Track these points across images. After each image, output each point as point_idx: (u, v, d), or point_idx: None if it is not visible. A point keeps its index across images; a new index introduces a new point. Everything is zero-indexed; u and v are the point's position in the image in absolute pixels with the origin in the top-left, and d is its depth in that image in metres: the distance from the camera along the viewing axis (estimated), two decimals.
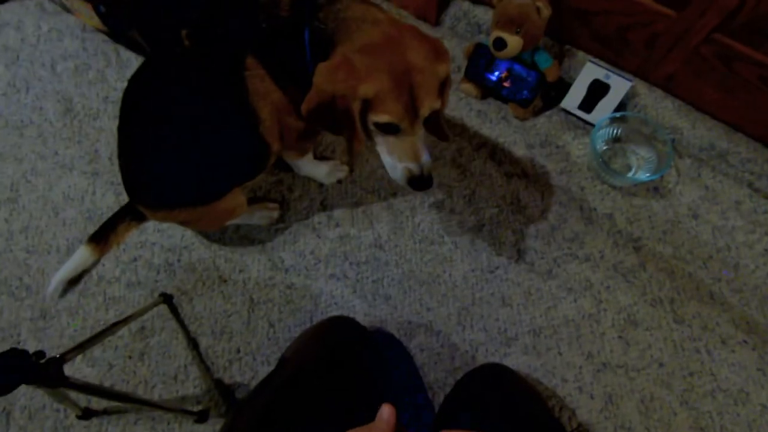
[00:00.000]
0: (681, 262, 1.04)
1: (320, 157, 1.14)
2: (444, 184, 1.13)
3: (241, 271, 1.06)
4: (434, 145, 1.17)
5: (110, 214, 0.95)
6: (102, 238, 0.95)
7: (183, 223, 0.91)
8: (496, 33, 1.05)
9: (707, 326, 0.99)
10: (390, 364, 0.98)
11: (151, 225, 1.09)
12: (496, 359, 0.98)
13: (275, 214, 1.08)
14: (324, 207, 1.12)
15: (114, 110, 1.22)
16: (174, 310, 1.02)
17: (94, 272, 1.06)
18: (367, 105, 0.68)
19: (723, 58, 0.97)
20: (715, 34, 0.94)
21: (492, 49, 1.08)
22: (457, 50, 1.26)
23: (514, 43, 1.04)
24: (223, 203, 0.88)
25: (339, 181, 1.13)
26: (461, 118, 1.20)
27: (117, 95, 1.24)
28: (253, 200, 1.09)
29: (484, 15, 1.22)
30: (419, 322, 1.01)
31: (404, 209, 1.11)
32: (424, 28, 1.30)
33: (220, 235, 1.09)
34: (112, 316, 1.02)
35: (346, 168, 1.13)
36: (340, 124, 0.70)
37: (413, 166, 0.75)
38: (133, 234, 1.06)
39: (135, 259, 1.07)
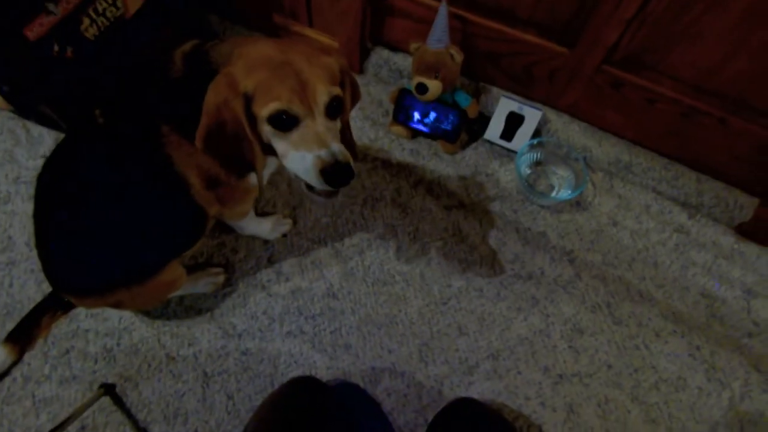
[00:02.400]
0: (610, 268, 1.14)
1: (262, 214, 1.13)
2: (388, 224, 1.16)
3: (189, 344, 1.00)
4: (373, 187, 1.20)
5: (32, 306, 0.87)
6: (22, 335, 0.86)
7: (117, 305, 0.85)
8: (417, 79, 1.12)
9: (641, 323, 1.09)
10: (359, 414, 0.97)
11: (82, 310, 1.01)
12: (461, 390, 1.00)
13: (220, 278, 1.04)
14: (271, 263, 1.10)
15: (27, 191, 1.13)
16: (118, 401, 0.94)
17: (17, 373, 0.95)
18: (253, 107, 0.65)
19: (613, 85, 1.11)
20: (604, 66, 1.08)
21: (415, 94, 1.14)
22: (383, 95, 1.33)
23: (434, 87, 1.11)
24: (161, 278, 0.84)
25: (284, 235, 1.12)
26: (395, 159, 1.25)
27: (30, 175, 1.15)
28: (195, 267, 1.05)
29: (403, 61, 1.30)
30: (382, 366, 1.01)
31: (352, 254, 1.12)
32: None
33: (162, 310, 1.02)
34: (44, 421, 0.91)
35: (289, 221, 1.13)
36: (235, 145, 0.67)
37: (323, 153, 0.66)
38: (61, 324, 0.97)
39: (67, 351, 0.97)
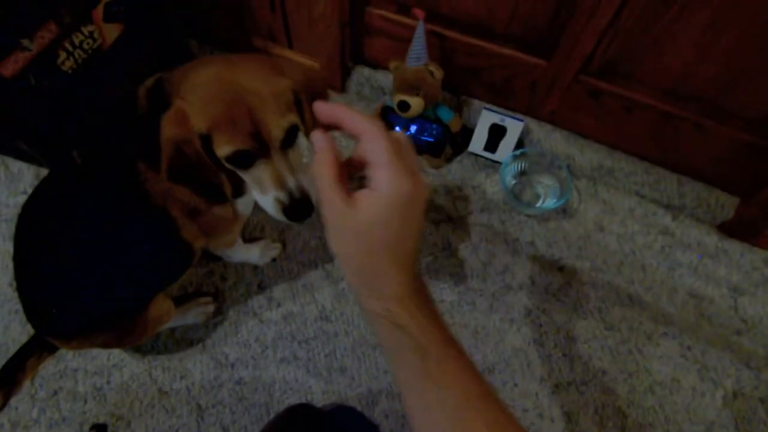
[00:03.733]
0: (599, 273, 1.16)
1: (250, 239, 1.12)
2: None
3: (182, 377, 0.98)
4: None
5: (18, 348, 0.85)
6: (6, 379, 0.84)
7: (105, 345, 0.83)
8: (399, 96, 1.13)
9: (633, 327, 1.10)
10: None
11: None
12: None
13: (210, 308, 1.03)
14: (262, 289, 1.09)
15: (8, 230, 1.11)
16: None
17: (3, 419, 0.93)
18: (210, 142, 0.64)
19: (591, 94, 1.13)
20: (581, 76, 1.10)
21: (397, 111, 1.15)
22: (367, 113, 1.33)
23: (415, 104, 1.12)
24: (148, 314, 0.82)
25: (273, 260, 1.12)
26: None
27: (11, 213, 1.13)
28: (184, 298, 1.03)
29: (384, 79, 1.30)
30: (379, 387, 1.00)
31: (343, 274, 1.11)
32: (332, 95, 1.36)
33: (152, 344, 1.01)
34: None
35: (278, 245, 1.12)
36: (201, 174, 0.66)
37: (281, 195, 0.67)
38: (48, 365, 0.95)
39: (55, 393, 0.95)
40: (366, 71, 1.33)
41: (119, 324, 0.79)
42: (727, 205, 1.18)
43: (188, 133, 0.61)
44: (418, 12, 1.04)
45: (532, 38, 1.08)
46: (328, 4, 1.12)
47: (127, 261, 0.75)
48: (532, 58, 1.11)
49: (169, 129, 0.62)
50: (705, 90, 1.00)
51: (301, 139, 0.71)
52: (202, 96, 0.63)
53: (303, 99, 0.69)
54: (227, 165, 0.66)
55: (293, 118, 0.66)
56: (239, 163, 0.66)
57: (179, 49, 1.42)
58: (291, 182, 0.66)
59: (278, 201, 0.67)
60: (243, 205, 0.86)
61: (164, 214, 0.73)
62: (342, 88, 1.36)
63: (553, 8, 0.99)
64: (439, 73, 1.10)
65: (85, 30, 1.12)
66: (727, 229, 1.19)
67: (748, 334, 1.10)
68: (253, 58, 0.68)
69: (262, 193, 0.68)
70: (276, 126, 0.64)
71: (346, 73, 1.34)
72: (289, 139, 0.67)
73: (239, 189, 0.77)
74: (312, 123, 0.73)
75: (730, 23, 0.86)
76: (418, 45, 1.06)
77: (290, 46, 1.33)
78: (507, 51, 1.12)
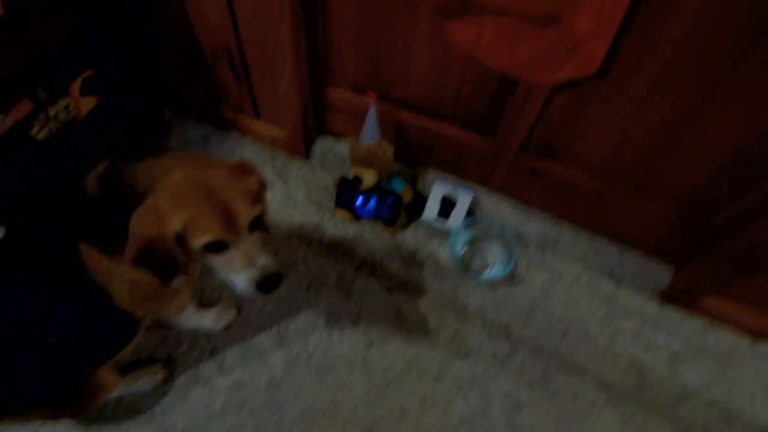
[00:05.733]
0: (545, 340, 1.20)
1: (205, 304, 1.15)
2: (332, 308, 1.20)
3: None
4: (318, 270, 1.25)
5: None
6: None
7: (44, 419, 0.84)
8: (354, 170, 1.21)
9: (577, 394, 1.13)
10: None
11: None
12: None
13: (159, 376, 1.05)
14: (214, 355, 1.11)
15: None
16: None
17: None
18: (185, 237, 0.70)
19: (532, 171, 1.21)
20: (522, 155, 1.19)
21: (352, 184, 1.22)
22: (328, 180, 1.41)
23: (369, 177, 1.20)
24: (89, 387, 0.84)
25: (228, 326, 1.14)
26: (340, 241, 1.31)
27: None
28: (135, 364, 1.05)
29: (345, 149, 1.39)
30: None
31: (296, 340, 1.14)
32: (298, 162, 1.44)
33: (99, 413, 1.01)
34: None
35: (234, 310, 1.15)
36: (167, 262, 0.72)
37: (254, 272, 0.77)
38: None
39: None
40: (329, 141, 1.42)
41: (60, 400, 0.80)
42: (664, 273, 1.25)
43: (164, 232, 0.69)
44: (371, 96, 1.13)
45: (475, 121, 1.17)
46: (291, 82, 1.21)
47: (64, 338, 0.78)
48: (476, 137, 1.21)
49: (143, 227, 0.69)
50: (631, 171, 1.09)
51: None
52: (177, 196, 0.70)
53: (262, 192, 0.82)
54: (200, 251, 0.74)
55: (259, 208, 0.78)
56: (213, 250, 0.74)
57: (154, 119, 1.50)
58: (262, 259, 0.77)
59: (252, 278, 0.77)
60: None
61: (103, 291, 0.77)
62: (307, 155, 1.44)
63: (491, 95, 1.09)
64: (390, 151, 1.18)
65: (62, 103, 1.19)
66: (666, 297, 1.26)
67: (687, 402, 1.13)
68: (219, 162, 0.78)
69: (235, 273, 0.77)
70: (247, 215, 0.75)
71: (310, 142, 1.43)
72: (255, 224, 0.79)
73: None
74: (267, 208, 0.87)
75: (646, 114, 0.96)
76: (371, 125, 1.15)
77: (258, 116, 1.42)
78: (454, 130, 1.22)
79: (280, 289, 1.18)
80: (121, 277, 0.78)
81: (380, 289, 1.23)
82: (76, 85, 1.21)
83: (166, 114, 1.50)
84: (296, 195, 1.38)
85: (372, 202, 1.26)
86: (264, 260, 0.78)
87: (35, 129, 1.16)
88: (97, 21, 1.17)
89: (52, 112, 1.18)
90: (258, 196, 0.79)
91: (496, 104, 1.10)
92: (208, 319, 1.11)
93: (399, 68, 1.13)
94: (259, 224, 0.80)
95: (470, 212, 1.32)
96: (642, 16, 0.81)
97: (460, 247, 1.30)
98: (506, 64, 0.97)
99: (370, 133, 1.16)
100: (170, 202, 0.69)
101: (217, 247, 0.74)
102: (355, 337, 1.16)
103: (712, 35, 0.79)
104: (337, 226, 1.34)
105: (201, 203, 0.70)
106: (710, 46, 0.80)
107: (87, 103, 1.26)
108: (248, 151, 1.47)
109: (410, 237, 1.33)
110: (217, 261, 0.77)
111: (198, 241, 0.71)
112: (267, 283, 0.78)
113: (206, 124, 1.49)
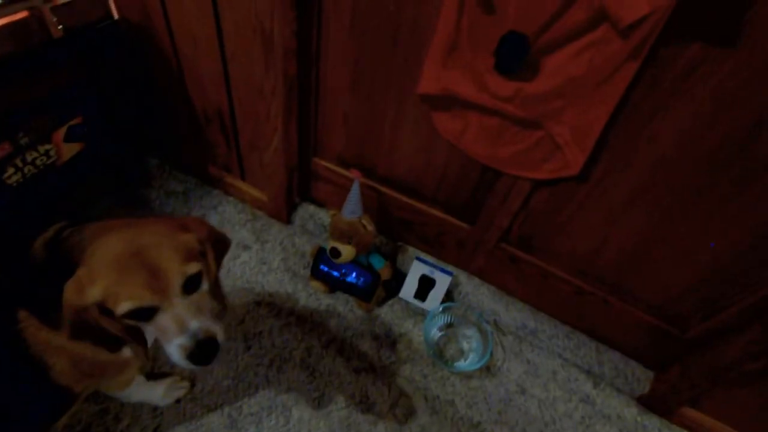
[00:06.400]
0: None
1: (156, 375, 1.06)
2: (293, 388, 1.11)
3: None
4: (284, 345, 1.18)
5: None
6: None
7: None
8: (332, 243, 1.18)
9: None
10: None
11: None
12: None
13: None
14: None
15: None
16: None
17: None
18: (107, 305, 0.65)
19: (511, 260, 1.20)
20: (501, 243, 1.18)
21: (330, 256, 1.19)
22: (307, 247, 1.38)
23: (347, 252, 1.17)
24: None
25: (177, 401, 1.05)
26: (311, 314, 1.25)
27: None
28: None
29: (327, 217, 1.38)
30: None
31: (249, 424, 1.05)
32: (278, 226, 1.42)
33: None
34: None
35: (186, 383, 1.07)
36: (102, 333, 0.66)
37: (183, 340, 0.68)
38: None
39: None
40: (311, 208, 1.40)
41: None
42: (643, 378, 1.21)
43: (85, 302, 0.63)
44: (355, 172, 1.14)
45: (456, 205, 1.18)
46: (277, 152, 1.22)
47: None
48: (457, 221, 1.20)
49: (70, 297, 0.64)
50: (609, 273, 1.08)
51: (205, 285, 0.74)
52: (101, 263, 0.65)
53: (207, 249, 0.74)
54: (129, 322, 0.67)
55: (195, 266, 0.70)
56: (139, 318, 0.67)
57: (136, 167, 1.49)
58: (194, 325, 0.68)
59: (182, 347, 0.67)
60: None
61: (40, 363, 0.71)
62: (288, 220, 1.42)
63: (474, 183, 1.10)
64: (371, 227, 1.17)
65: (41, 149, 1.17)
66: (645, 403, 1.20)
67: None
68: (157, 219, 0.74)
69: (166, 341, 0.68)
70: (176, 274, 0.67)
71: (292, 208, 1.41)
72: (191, 285, 0.70)
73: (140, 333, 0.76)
74: (215, 270, 0.79)
75: (624, 221, 0.97)
76: (353, 201, 1.14)
77: (243, 178, 1.41)
78: (435, 212, 1.21)
79: (239, 362, 1.13)
80: (61, 350, 0.72)
81: (347, 370, 1.16)
82: (61, 132, 1.20)
83: (152, 162, 1.48)
84: (272, 260, 1.34)
85: (349, 277, 1.22)
86: (196, 325, 0.68)
87: (8, 173, 1.13)
88: (90, 75, 1.19)
89: (30, 156, 1.16)
90: (197, 255, 0.72)
91: (478, 192, 1.11)
92: (157, 393, 1.02)
93: (385, 150, 1.15)
94: (198, 285, 0.72)
95: (448, 293, 1.29)
96: (622, 131, 0.84)
97: (435, 332, 1.25)
98: (488, 156, 0.99)
99: (351, 208, 1.15)
100: (92, 270, 0.65)
101: (144, 313, 0.66)
102: (314, 424, 1.07)
103: (689, 157, 0.81)
104: (310, 296, 1.28)
105: (123, 268, 0.64)
106: (688, 167, 0.83)
107: (70, 150, 1.25)
108: (230, 209, 1.44)
109: (386, 313, 1.28)
110: (149, 329, 0.69)
111: (118, 309, 0.64)
112: (199, 352, 0.68)
113: (191, 176, 1.48)
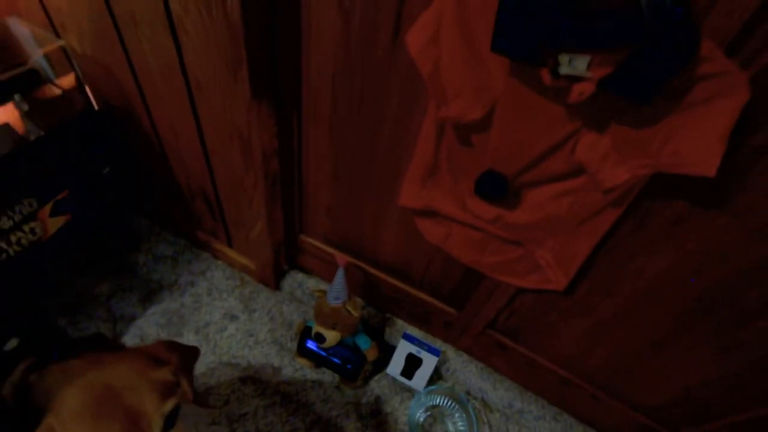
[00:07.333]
0: None
1: None
2: None
3: None
4: (267, 426, 1.18)
5: None
6: None
7: None
8: (317, 328, 1.17)
9: None
10: None
11: None
12: None
13: None
14: None
15: None
16: None
17: None
18: None
19: (499, 345, 1.18)
20: (488, 330, 1.16)
21: (314, 341, 1.18)
22: (296, 315, 1.37)
23: (331, 337, 1.16)
24: None
25: None
26: (296, 393, 1.25)
27: None
28: None
29: (316, 285, 1.36)
30: None
31: None
32: (266, 293, 1.41)
33: None
34: None
35: None
36: None
37: None
38: None
39: None
40: (300, 276, 1.39)
41: None
42: None
43: None
44: (340, 260, 1.12)
45: (443, 291, 1.15)
46: (264, 229, 1.20)
47: None
48: (445, 305, 1.18)
49: None
50: (596, 374, 1.06)
51: (185, 409, 0.72)
52: (72, 412, 0.63)
53: (182, 378, 0.72)
54: None
55: (172, 402, 0.68)
56: None
57: (125, 231, 1.48)
58: None
59: None
60: None
61: None
62: (276, 287, 1.41)
63: (460, 276, 1.07)
64: (356, 313, 1.15)
65: (26, 227, 1.17)
66: None
67: None
68: (126, 355, 0.71)
69: None
70: (156, 416, 0.65)
71: (281, 275, 1.40)
72: (171, 421, 0.68)
73: None
74: (191, 392, 0.75)
75: (611, 335, 0.94)
76: (338, 287, 1.12)
77: (230, 245, 1.40)
78: (423, 295, 1.19)
79: None
80: None
81: None
82: (47, 208, 1.20)
83: (142, 222, 1.48)
84: (259, 331, 1.33)
85: (335, 358, 1.22)
86: None
87: None
88: (75, 158, 1.17)
89: (14, 237, 1.15)
90: (172, 387, 0.69)
91: (464, 283, 1.09)
92: None
93: (369, 239, 1.12)
94: (176, 417, 0.69)
95: (436, 369, 1.27)
96: (606, 262, 0.80)
97: (420, 414, 1.24)
98: (474, 261, 0.96)
99: (335, 294, 1.13)
100: (63, 421, 0.62)
101: None
102: None
103: (677, 295, 0.78)
104: (296, 371, 1.28)
105: (97, 416, 0.62)
106: (677, 305, 0.79)
107: (55, 223, 1.24)
108: (218, 274, 1.43)
109: (372, 390, 1.27)
110: None
111: None
112: None
113: (181, 238, 1.47)
